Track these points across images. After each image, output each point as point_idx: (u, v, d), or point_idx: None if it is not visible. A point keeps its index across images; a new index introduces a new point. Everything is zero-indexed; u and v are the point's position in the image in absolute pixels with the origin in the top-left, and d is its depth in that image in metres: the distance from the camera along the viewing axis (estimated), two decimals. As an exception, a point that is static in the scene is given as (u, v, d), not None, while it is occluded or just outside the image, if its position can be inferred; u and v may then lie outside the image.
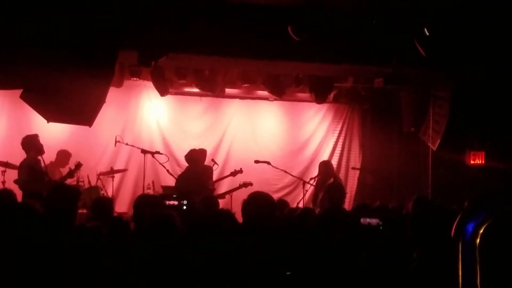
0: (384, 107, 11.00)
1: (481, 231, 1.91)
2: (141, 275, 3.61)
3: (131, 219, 5.14)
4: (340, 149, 11.71)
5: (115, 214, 6.68)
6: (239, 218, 4.41)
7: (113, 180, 9.86)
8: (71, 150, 9.53)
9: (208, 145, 10.21)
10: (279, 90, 10.16)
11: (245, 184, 9.26)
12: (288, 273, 3.77)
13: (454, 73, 8.72)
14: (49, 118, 7.92)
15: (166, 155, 9.51)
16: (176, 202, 6.17)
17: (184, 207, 6.31)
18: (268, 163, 9.72)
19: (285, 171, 10.05)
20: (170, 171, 9.23)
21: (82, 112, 7.78)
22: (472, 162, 9.89)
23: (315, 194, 9.00)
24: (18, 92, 7.67)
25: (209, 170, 9.25)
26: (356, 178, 11.38)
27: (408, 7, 7.22)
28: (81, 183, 8.94)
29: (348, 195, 10.16)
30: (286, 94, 10.47)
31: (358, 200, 10.54)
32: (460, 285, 1.90)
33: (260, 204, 4.35)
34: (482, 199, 2.01)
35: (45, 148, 8.18)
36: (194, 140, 10.77)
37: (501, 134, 9.29)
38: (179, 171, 9.92)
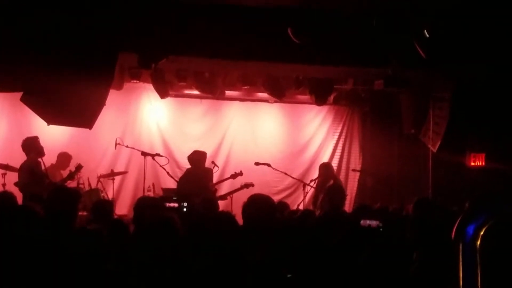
0: (384, 109, 10.99)
1: (482, 233, 1.91)
2: (142, 278, 3.61)
3: (132, 222, 5.13)
4: (340, 151, 11.70)
5: (115, 217, 6.68)
6: (240, 220, 4.41)
7: (113, 183, 9.86)
8: (71, 153, 9.54)
9: (208, 147, 10.21)
10: (279, 92, 10.17)
11: (247, 185, 9.28)
12: (288, 275, 3.77)
13: (454, 74, 8.71)
14: (49, 121, 7.92)
15: (166, 157, 9.51)
16: (176, 204, 6.16)
17: (184, 209, 6.30)
18: (269, 165, 9.72)
19: (285, 173, 10.06)
20: (170, 173, 9.23)
21: (82, 115, 7.78)
22: (472, 163, 9.88)
23: (315, 196, 9.00)
24: (19, 94, 7.68)
25: (210, 172, 9.25)
26: (356, 180, 11.37)
27: (408, 7, 7.21)
28: (81, 186, 8.93)
29: (348, 197, 10.15)
30: (286, 96, 10.47)
31: (359, 202, 10.53)
32: (461, 287, 1.90)
33: (260, 206, 4.35)
34: (482, 201, 2.01)
35: (45, 151, 8.18)
36: (194, 142, 10.77)
37: (501, 135, 9.28)
38: (179, 173, 9.92)
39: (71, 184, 8.49)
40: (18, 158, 8.35)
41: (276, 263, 3.70)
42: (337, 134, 11.74)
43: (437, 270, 3.88)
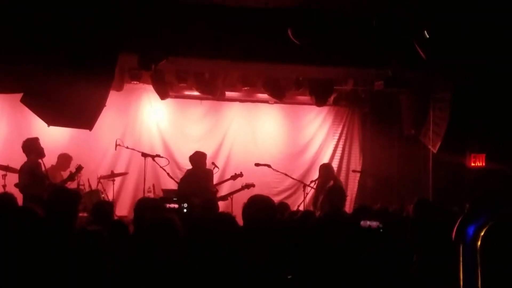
0: (384, 110, 11.00)
1: (482, 234, 1.91)
2: (142, 279, 3.61)
3: (132, 223, 5.13)
4: (340, 152, 11.70)
5: (115, 218, 6.68)
6: (240, 221, 4.41)
7: (113, 184, 9.86)
8: (71, 154, 9.54)
9: (208, 148, 10.21)
10: (279, 93, 10.17)
11: (248, 186, 9.29)
12: (289, 276, 3.76)
13: (454, 74, 8.71)
14: (50, 122, 7.92)
15: (167, 159, 9.51)
16: (176, 205, 6.16)
17: (185, 210, 6.31)
18: (269, 166, 9.72)
19: (286, 174, 10.06)
20: (170, 174, 9.23)
21: (82, 116, 7.78)
22: (472, 164, 9.88)
23: (315, 197, 9.00)
24: (19, 96, 7.68)
25: (210, 173, 9.26)
26: (357, 181, 11.38)
27: (408, 7, 7.21)
28: (81, 187, 8.94)
29: (348, 198, 10.15)
30: (286, 97, 10.47)
31: (359, 203, 10.53)
32: (461, 288, 1.90)
33: (260, 207, 4.35)
34: (483, 202, 2.01)
35: (45, 152, 8.16)
36: (195, 143, 10.77)
37: (501, 136, 9.27)
38: (179, 174, 9.92)
39: (71, 185, 8.49)
40: (18, 159, 8.34)
41: (276, 264, 3.70)
42: (337, 135, 11.74)
43: (437, 271, 3.88)
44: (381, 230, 4.44)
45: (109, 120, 9.95)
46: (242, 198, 7.46)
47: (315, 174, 10.00)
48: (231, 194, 9.48)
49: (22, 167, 8.04)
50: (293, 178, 10.37)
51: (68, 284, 3.45)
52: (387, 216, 5.57)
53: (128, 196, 10.51)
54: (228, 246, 3.80)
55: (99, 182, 9.46)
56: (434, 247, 4.11)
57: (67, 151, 9.59)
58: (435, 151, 9.49)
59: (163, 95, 9.81)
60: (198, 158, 8.99)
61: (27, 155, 8.04)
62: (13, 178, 8.34)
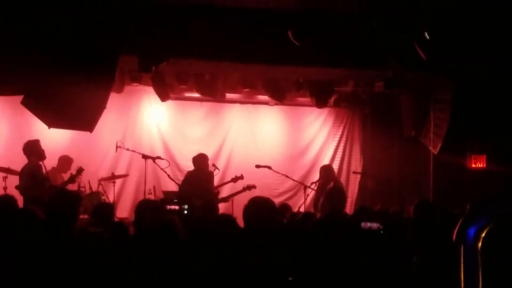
0: (385, 111, 11.00)
1: (483, 235, 1.91)
2: (142, 280, 3.60)
3: (132, 225, 5.13)
4: (341, 153, 11.70)
5: (116, 220, 6.67)
6: (241, 222, 4.41)
7: (114, 186, 9.86)
8: (72, 156, 9.54)
9: (209, 150, 10.21)
10: (280, 95, 10.17)
11: (249, 187, 9.31)
12: (289, 278, 3.76)
13: (454, 75, 8.70)
14: (50, 124, 7.93)
15: (167, 160, 9.50)
16: (177, 207, 6.16)
17: (185, 212, 6.30)
18: (269, 167, 9.72)
19: (286, 176, 10.06)
20: (171, 176, 9.23)
21: (83, 118, 7.79)
22: (473, 165, 9.87)
23: (316, 199, 9.00)
24: (19, 98, 7.69)
25: (211, 175, 9.27)
26: (357, 183, 11.38)
27: (408, 7, 7.21)
28: (82, 189, 8.94)
29: (349, 200, 10.16)
30: (287, 99, 10.47)
31: (359, 204, 10.53)
32: (462, 289, 1.89)
33: (261, 208, 4.35)
34: (483, 203, 2.01)
35: (46, 154, 8.17)
36: (195, 145, 10.78)
37: (502, 137, 9.27)
38: (180, 176, 9.92)
39: (72, 187, 8.50)
40: (19, 161, 8.35)
41: (277, 265, 3.69)
42: (338, 136, 11.74)
43: (437, 272, 3.87)
44: (381, 232, 4.43)
45: (109, 122, 9.95)
46: (243, 199, 7.47)
47: (315, 176, 10.00)
48: (232, 196, 9.48)
49: (22, 169, 8.05)
50: (293, 180, 10.37)
51: (68, 286, 3.45)
52: (388, 217, 5.56)
53: (129, 198, 10.51)
54: (228, 247, 3.80)
55: (99, 184, 9.46)
56: (434, 248, 4.11)
57: (68, 153, 9.59)
58: (435, 152, 9.48)
59: (163, 97, 9.82)
60: (201, 159, 9.02)
61: (28, 157, 8.05)
62: (14, 180, 8.35)
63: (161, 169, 9.19)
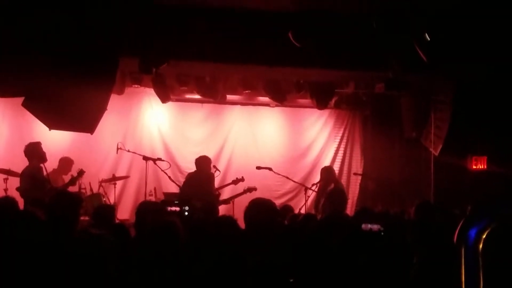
0: (385, 113, 11.00)
1: (484, 237, 1.91)
2: (143, 282, 3.60)
3: (133, 226, 5.13)
4: (341, 154, 11.70)
5: (117, 221, 6.68)
6: (242, 224, 4.41)
7: (115, 187, 9.86)
8: (73, 157, 9.54)
9: (209, 152, 10.21)
10: (280, 96, 10.17)
11: (250, 189, 9.31)
12: (290, 279, 3.76)
13: (454, 76, 8.70)
14: (51, 126, 7.93)
15: (168, 162, 9.50)
16: (177, 208, 6.17)
17: (186, 213, 6.31)
18: (270, 169, 9.72)
19: (287, 177, 10.05)
20: (172, 177, 9.23)
21: (83, 119, 7.79)
22: (474, 166, 9.87)
23: (317, 200, 9.00)
24: (20, 99, 7.69)
25: (212, 176, 9.27)
26: (358, 184, 11.37)
27: (408, 8, 7.21)
28: (83, 190, 8.94)
29: (350, 201, 10.15)
30: (287, 100, 10.47)
31: (360, 205, 10.53)
32: (463, 291, 1.89)
33: (261, 210, 4.35)
34: (484, 204, 2.01)
35: (47, 156, 8.17)
36: (196, 146, 10.79)
37: (503, 138, 9.26)
38: (180, 177, 9.93)
39: (73, 188, 8.49)
40: (20, 163, 8.35)
41: (277, 267, 3.69)
42: (339, 137, 11.74)
43: (438, 274, 3.87)
44: (382, 233, 4.43)
45: (110, 123, 9.95)
46: (243, 201, 7.46)
47: (316, 177, 9.99)
48: (233, 197, 9.49)
49: (23, 171, 8.05)
50: (294, 181, 10.37)
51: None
52: (388, 219, 5.56)
53: (130, 200, 10.51)
54: (229, 248, 3.80)
55: (100, 185, 9.46)
56: (435, 249, 4.10)
57: (69, 155, 9.59)
58: (436, 154, 9.48)
59: (164, 98, 9.82)
60: (203, 161, 9.03)
61: (29, 160, 8.05)
62: (15, 182, 8.35)
63: (162, 170, 9.19)
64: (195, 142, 11.14)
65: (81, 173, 8.46)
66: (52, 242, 3.73)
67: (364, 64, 8.38)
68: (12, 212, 4.50)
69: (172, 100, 10.35)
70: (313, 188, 9.42)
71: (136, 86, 9.84)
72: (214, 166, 9.63)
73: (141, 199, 9.23)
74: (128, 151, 9.72)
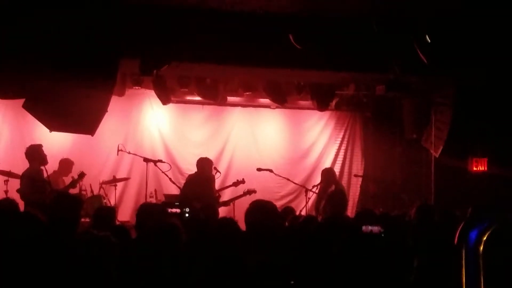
0: (386, 114, 10.99)
1: (485, 238, 1.91)
2: (144, 283, 3.60)
3: (134, 228, 5.14)
4: (342, 156, 11.70)
5: (117, 223, 6.68)
6: (242, 226, 4.41)
7: (115, 189, 9.86)
8: (73, 159, 9.55)
9: (210, 153, 10.20)
10: (281, 98, 10.17)
11: (249, 192, 9.31)
12: (291, 282, 3.76)
13: (455, 77, 8.70)
14: (52, 127, 7.92)
15: (169, 164, 9.50)
16: (178, 210, 6.16)
17: (186, 215, 6.30)
18: (271, 171, 9.72)
19: (288, 179, 10.04)
20: (172, 179, 9.23)
21: (84, 121, 7.79)
22: (474, 168, 9.86)
23: (317, 202, 8.99)
24: (21, 101, 7.69)
25: (213, 178, 9.27)
26: (359, 186, 11.37)
27: (408, 8, 7.21)
28: (83, 192, 8.94)
29: (350, 203, 10.16)
30: (288, 102, 10.47)
31: (361, 207, 10.52)
32: (464, 292, 1.89)
33: (262, 211, 4.35)
34: (485, 206, 2.02)
35: (47, 157, 8.17)
36: (196, 148, 10.79)
37: (503, 140, 9.26)
38: (181, 179, 9.92)
39: (73, 190, 8.50)
40: (20, 164, 8.36)
41: (278, 268, 3.69)
42: (339, 139, 11.74)
43: (439, 275, 3.87)
44: (382, 235, 4.43)
45: (111, 125, 9.95)
46: (244, 203, 7.46)
47: (317, 179, 9.99)
48: (233, 199, 9.48)
49: (23, 173, 8.05)
50: (295, 183, 10.35)
51: (70, 289, 3.45)
52: (389, 221, 5.56)
53: (130, 201, 10.50)
54: (230, 250, 3.80)
55: (101, 187, 9.46)
56: (435, 251, 4.11)
57: (69, 157, 9.60)
58: (437, 156, 9.48)
59: (164, 100, 9.82)
60: (204, 163, 9.04)
61: (30, 162, 8.04)
62: (15, 184, 8.35)
63: (163, 172, 9.19)
64: (195, 144, 11.14)
65: (81, 175, 8.46)
66: (53, 244, 3.73)
67: (365, 65, 8.38)
68: (13, 213, 4.51)
69: (173, 102, 10.35)
70: (314, 189, 9.41)
71: (136, 87, 9.84)
72: (215, 168, 9.63)
73: (142, 200, 9.23)
74: (129, 152, 9.72)
